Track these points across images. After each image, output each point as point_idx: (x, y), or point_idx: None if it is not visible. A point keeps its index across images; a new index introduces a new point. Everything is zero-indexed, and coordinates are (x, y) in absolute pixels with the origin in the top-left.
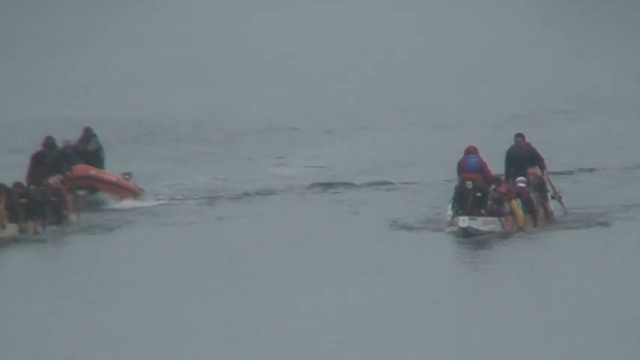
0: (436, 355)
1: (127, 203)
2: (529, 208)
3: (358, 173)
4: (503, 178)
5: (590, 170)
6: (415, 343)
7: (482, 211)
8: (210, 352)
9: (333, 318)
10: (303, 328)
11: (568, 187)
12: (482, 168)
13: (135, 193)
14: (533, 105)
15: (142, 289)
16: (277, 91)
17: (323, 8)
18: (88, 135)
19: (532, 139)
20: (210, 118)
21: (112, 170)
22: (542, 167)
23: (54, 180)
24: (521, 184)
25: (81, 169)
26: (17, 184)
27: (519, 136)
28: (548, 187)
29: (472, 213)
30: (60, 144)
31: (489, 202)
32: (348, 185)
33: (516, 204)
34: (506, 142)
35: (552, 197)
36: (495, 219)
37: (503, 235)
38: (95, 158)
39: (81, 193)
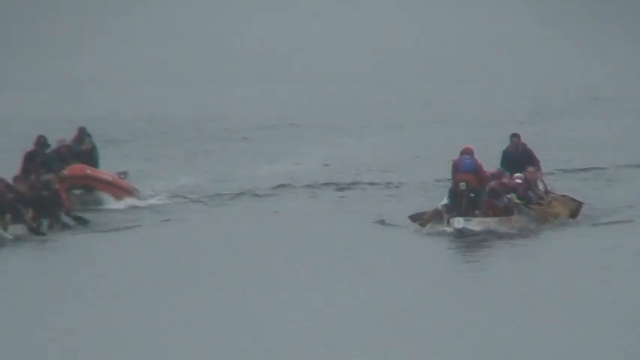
0: (434, 354)
1: (123, 203)
2: (526, 202)
3: (358, 172)
4: (502, 173)
5: (589, 169)
6: (414, 341)
7: (477, 212)
8: (210, 350)
9: (333, 317)
10: (301, 326)
11: (566, 186)
12: (477, 169)
13: (130, 193)
14: (532, 104)
15: (140, 288)
16: (277, 90)
17: (324, 7)
18: (82, 135)
19: (530, 138)
20: (209, 116)
21: (107, 169)
22: (538, 169)
23: (46, 177)
24: (518, 180)
25: (77, 168)
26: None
27: (515, 136)
28: (541, 187)
29: (466, 214)
30: (53, 144)
31: (486, 197)
32: (347, 184)
33: (513, 197)
34: (504, 143)
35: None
36: (490, 219)
37: (499, 235)
38: (90, 158)
39: (77, 192)
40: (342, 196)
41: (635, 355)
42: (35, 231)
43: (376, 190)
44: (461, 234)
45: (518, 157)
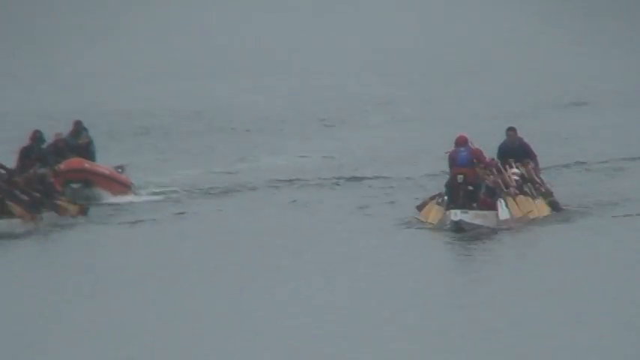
0: (435, 352)
1: (121, 196)
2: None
3: (361, 166)
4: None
5: (586, 163)
6: (414, 338)
7: (474, 204)
8: (211, 349)
9: (333, 312)
10: (300, 322)
11: (563, 181)
12: (476, 157)
13: (128, 187)
14: (532, 100)
15: (140, 283)
16: (278, 85)
17: (324, 6)
18: (79, 129)
19: (529, 133)
20: (206, 111)
21: (103, 163)
22: (535, 163)
23: (42, 170)
24: (515, 177)
25: (75, 162)
26: None
27: (511, 130)
28: (539, 182)
29: (464, 207)
30: (50, 138)
31: (482, 195)
32: (349, 178)
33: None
34: (500, 137)
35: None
36: (487, 212)
37: (496, 229)
38: (86, 152)
39: (75, 186)
40: (341, 192)
41: (637, 352)
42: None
43: (378, 185)
44: (458, 227)
45: (514, 151)
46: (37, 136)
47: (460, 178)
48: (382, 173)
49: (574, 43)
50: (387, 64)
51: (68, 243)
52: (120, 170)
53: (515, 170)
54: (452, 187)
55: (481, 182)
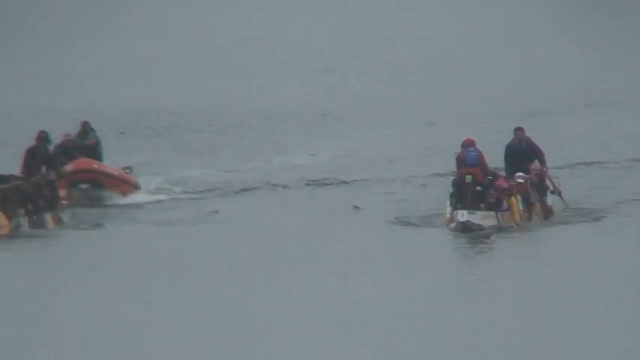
0: (438, 352)
1: (129, 197)
2: (526, 203)
3: (359, 168)
4: (500, 172)
5: (591, 164)
6: (418, 339)
7: (482, 205)
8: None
9: (335, 312)
10: (301, 322)
11: (569, 182)
12: (481, 161)
13: (136, 188)
14: (535, 99)
15: (146, 282)
16: (279, 85)
17: (334, 4)
18: (86, 129)
19: (534, 133)
20: (211, 110)
21: (110, 164)
22: (543, 162)
23: (50, 175)
24: (520, 180)
25: (84, 162)
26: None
27: (519, 129)
28: (548, 182)
29: (471, 207)
30: (57, 137)
31: (488, 199)
32: (348, 179)
33: (515, 200)
34: (507, 137)
35: (552, 192)
36: (494, 213)
37: (503, 230)
38: (94, 152)
39: (84, 186)
40: (343, 191)
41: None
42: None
43: (377, 186)
44: (465, 227)
45: (522, 151)
46: (43, 137)
47: (469, 178)
48: (386, 173)
49: (576, 43)
50: (389, 62)
51: (76, 242)
52: (128, 171)
53: (520, 173)
54: (459, 188)
55: (489, 183)
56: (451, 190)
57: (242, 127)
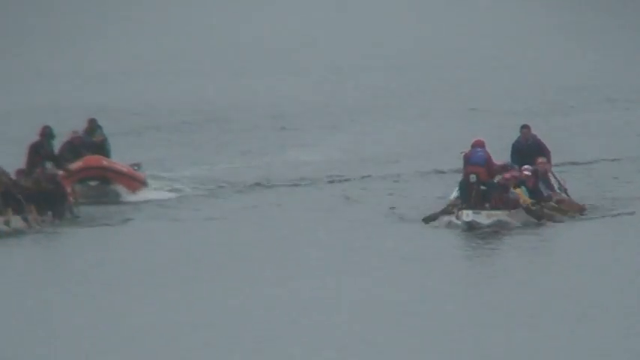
0: (441, 351)
1: (138, 194)
2: (536, 196)
3: (362, 164)
4: (510, 166)
5: (598, 161)
6: (421, 338)
7: (487, 204)
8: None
9: (338, 311)
10: (301, 321)
11: (576, 179)
12: (487, 162)
13: (145, 185)
14: (538, 97)
15: (153, 279)
16: (281, 84)
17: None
18: (93, 126)
19: (540, 130)
20: (216, 109)
21: (119, 161)
22: (548, 160)
23: (51, 170)
24: (526, 172)
25: (93, 159)
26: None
27: (525, 127)
28: (552, 180)
29: (476, 207)
30: (62, 135)
31: (494, 191)
32: (350, 177)
33: (521, 191)
34: (514, 135)
35: (558, 190)
36: (500, 212)
37: (508, 228)
38: (102, 149)
39: (93, 183)
40: (345, 188)
41: None
42: (33, 227)
43: (380, 183)
44: (469, 227)
45: (528, 148)
46: (47, 132)
47: (473, 177)
48: (390, 170)
49: (577, 41)
50: (391, 61)
51: (84, 239)
52: (136, 168)
53: (527, 166)
54: (464, 187)
55: (494, 183)
56: (456, 188)
57: (248, 125)
